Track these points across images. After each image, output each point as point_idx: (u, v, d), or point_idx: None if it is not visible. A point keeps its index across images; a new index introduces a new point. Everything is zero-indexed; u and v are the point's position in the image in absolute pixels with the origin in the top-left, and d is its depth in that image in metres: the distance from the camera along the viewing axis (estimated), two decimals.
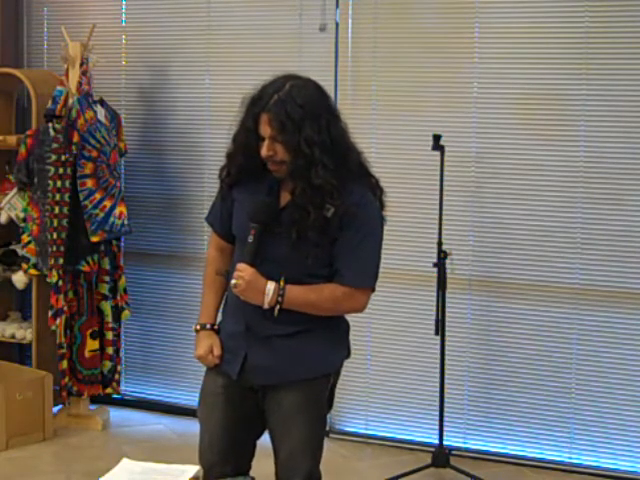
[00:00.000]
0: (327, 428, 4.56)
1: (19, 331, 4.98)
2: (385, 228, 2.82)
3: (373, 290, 2.77)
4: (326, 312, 2.72)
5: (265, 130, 2.64)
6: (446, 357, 4.15)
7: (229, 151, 2.80)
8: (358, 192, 2.68)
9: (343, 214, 2.62)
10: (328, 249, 2.68)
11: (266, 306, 2.66)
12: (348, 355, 2.89)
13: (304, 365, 2.76)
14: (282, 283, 2.66)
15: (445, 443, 4.18)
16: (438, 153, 4.05)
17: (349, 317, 2.89)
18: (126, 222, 4.73)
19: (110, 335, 4.80)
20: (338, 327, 2.83)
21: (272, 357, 2.75)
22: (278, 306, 2.66)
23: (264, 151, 2.65)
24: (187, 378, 5.06)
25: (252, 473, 2.99)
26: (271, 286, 2.65)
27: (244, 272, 2.66)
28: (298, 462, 2.82)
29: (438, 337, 4.07)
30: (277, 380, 2.77)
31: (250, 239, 2.68)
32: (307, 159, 2.60)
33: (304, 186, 2.62)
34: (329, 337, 2.79)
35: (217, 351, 2.83)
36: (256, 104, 2.69)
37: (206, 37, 4.90)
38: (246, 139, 2.71)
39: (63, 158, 4.55)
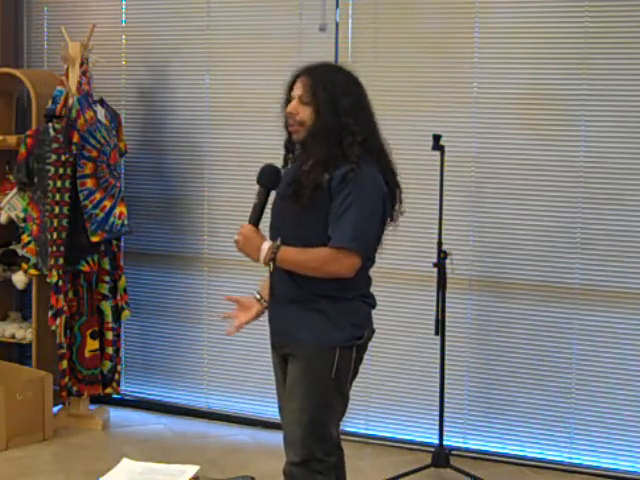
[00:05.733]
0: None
1: (19, 331, 4.98)
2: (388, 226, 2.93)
3: (360, 256, 2.82)
4: (314, 272, 2.81)
5: (297, 90, 2.85)
6: (446, 357, 4.15)
7: (284, 122, 2.96)
8: (353, 161, 2.79)
9: (333, 180, 2.77)
10: (322, 215, 2.80)
11: (262, 262, 2.82)
12: (362, 338, 2.91)
13: (306, 332, 2.86)
14: (278, 242, 2.82)
15: (445, 443, 4.18)
16: (438, 153, 4.05)
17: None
18: (126, 222, 4.73)
19: (110, 335, 4.80)
20: (347, 303, 2.88)
21: (283, 322, 2.92)
22: (272, 262, 2.81)
23: (288, 108, 2.85)
24: (187, 378, 5.06)
25: (252, 473, 3.00)
26: (267, 244, 2.82)
27: (244, 229, 2.85)
28: (291, 434, 2.90)
29: (438, 337, 4.07)
30: (284, 340, 2.92)
31: (255, 201, 2.88)
32: (338, 117, 2.78)
33: (320, 145, 2.79)
34: (335, 311, 2.85)
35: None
36: (297, 72, 2.90)
37: (206, 37, 4.90)
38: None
39: (63, 158, 4.55)
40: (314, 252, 2.80)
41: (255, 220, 2.87)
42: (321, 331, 2.85)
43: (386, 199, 2.88)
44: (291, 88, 2.89)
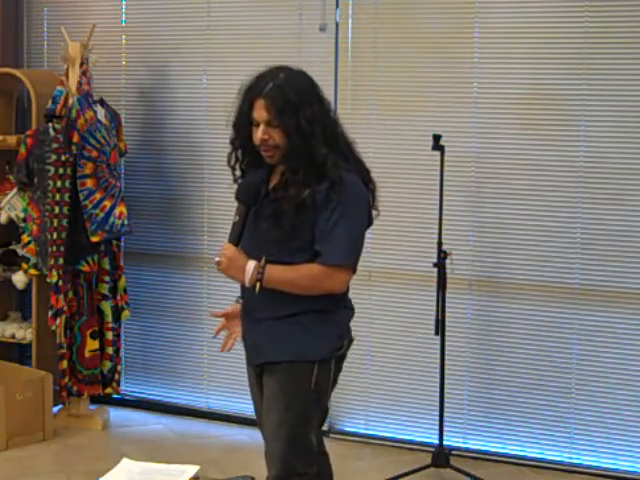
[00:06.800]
0: (326, 427, 4.57)
1: (19, 331, 4.98)
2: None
3: (352, 270, 2.79)
4: (305, 290, 2.74)
5: (261, 115, 2.71)
6: (446, 357, 4.15)
7: (231, 137, 2.88)
8: (335, 175, 2.72)
9: (317, 194, 2.69)
10: (307, 232, 2.72)
11: (247, 283, 2.73)
12: (342, 348, 2.86)
13: (285, 347, 2.79)
14: (263, 261, 2.71)
15: (445, 443, 4.18)
16: (438, 153, 4.05)
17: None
18: (126, 222, 4.73)
19: (110, 335, 4.80)
20: (330, 315, 2.82)
21: (259, 338, 2.85)
22: (259, 283, 2.70)
23: (259, 135, 2.72)
24: (187, 378, 5.06)
25: (252, 473, 3.00)
26: (251, 264, 2.71)
27: (227, 250, 2.74)
28: (271, 449, 2.85)
29: (438, 337, 4.07)
30: (261, 359, 2.85)
31: (235, 219, 2.76)
32: (306, 138, 2.67)
33: (298, 165, 2.70)
34: (317, 324, 2.79)
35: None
36: (251, 91, 2.75)
37: (206, 37, 4.90)
38: (244, 125, 2.79)
39: (63, 158, 4.55)
40: (303, 269, 2.72)
41: (236, 239, 2.75)
42: (299, 346, 2.78)
43: (369, 204, 2.83)
44: (249, 108, 2.74)
